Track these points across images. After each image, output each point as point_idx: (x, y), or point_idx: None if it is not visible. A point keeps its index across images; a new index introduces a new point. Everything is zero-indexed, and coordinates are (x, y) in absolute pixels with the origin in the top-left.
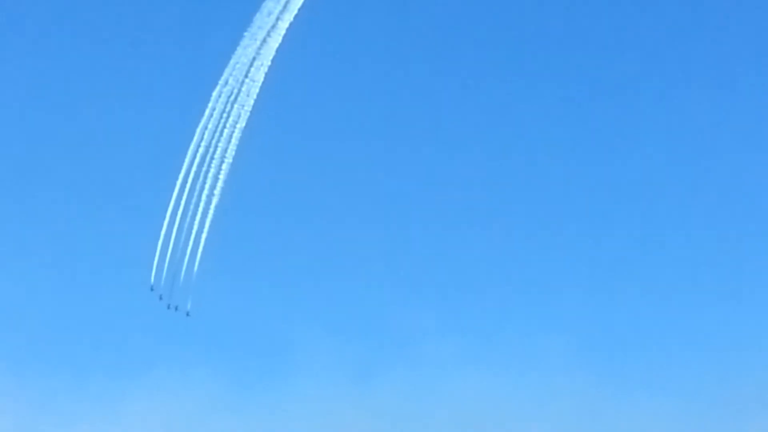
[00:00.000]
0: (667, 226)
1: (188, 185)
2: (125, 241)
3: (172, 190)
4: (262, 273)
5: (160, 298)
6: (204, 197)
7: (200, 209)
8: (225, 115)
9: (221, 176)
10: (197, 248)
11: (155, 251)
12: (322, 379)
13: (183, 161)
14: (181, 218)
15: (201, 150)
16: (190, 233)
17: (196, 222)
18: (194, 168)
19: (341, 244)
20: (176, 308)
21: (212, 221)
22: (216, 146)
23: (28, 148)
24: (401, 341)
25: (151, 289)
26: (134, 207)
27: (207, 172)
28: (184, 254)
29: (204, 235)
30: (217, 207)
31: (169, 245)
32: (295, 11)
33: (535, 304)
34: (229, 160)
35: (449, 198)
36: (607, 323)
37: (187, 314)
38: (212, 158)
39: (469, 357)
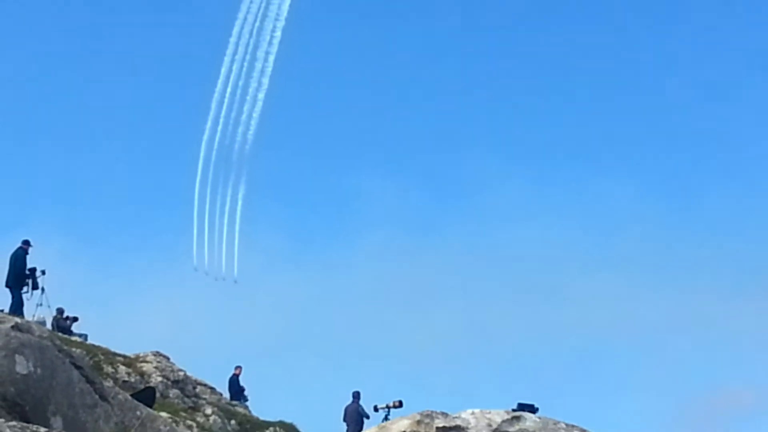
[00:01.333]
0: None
1: (242, 43)
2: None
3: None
4: (323, 123)
5: (206, 274)
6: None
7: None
8: None
9: (277, 34)
10: (256, 99)
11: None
12: (385, 231)
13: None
14: (237, 71)
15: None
16: (247, 89)
17: (255, 73)
18: (247, 27)
19: (403, 87)
20: (223, 279)
21: (273, 69)
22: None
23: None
24: (465, 188)
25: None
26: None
27: (261, 27)
28: (242, 107)
29: (263, 91)
30: (276, 56)
31: (224, 100)
32: None
33: (599, 148)
34: (284, 14)
35: (513, 39)
36: (675, 166)
37: (235, 282)
38: (266, 14)
39: (534, 204)
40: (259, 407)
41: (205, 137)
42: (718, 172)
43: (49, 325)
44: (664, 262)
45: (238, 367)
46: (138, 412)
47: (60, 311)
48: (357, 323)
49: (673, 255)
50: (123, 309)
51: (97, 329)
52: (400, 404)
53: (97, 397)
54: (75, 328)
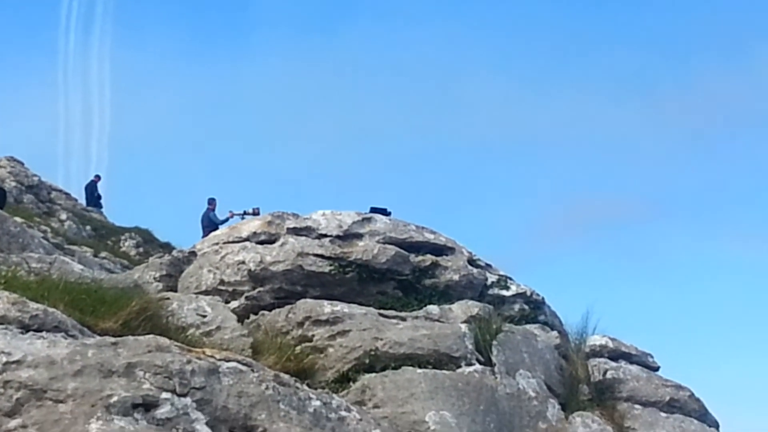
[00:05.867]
0: None
1: None
2: None
3: None
4: None
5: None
6: None
7: None
8: None
9: None
10: None
11: None
12: (284, 31)
13: None
14: None
15: None
16: None
17: None
18: None
19: None
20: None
21: None
22: None
23: None
24: None
25: None
26: None
27: None
28: None
29: None
30: None
31: None
32: None
33: None
34: None
35: None
36: None
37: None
38: None
39: (434, 5)
40: (116, 213)
41: None
42: None
43: None
44: (560, 68)
45: (97, 176)
46: None
47: None
48: (241, 126)
49: (569, 62)
50: None
51: None
52: (258, 212)
53: None
54: None
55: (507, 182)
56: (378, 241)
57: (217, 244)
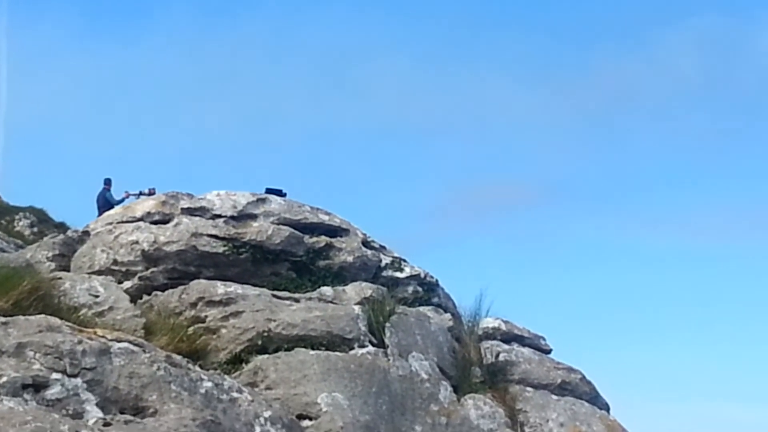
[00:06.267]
0: None
1: None
2: None
3: None
4: None
5: None
6: None
7: None
8: None
9: None
10: None
11: None
12: (186, 12)
13: None
14: None
15: None
16: None
17: None
18: None
19: None
20: None
21: None
22: None
23: None
24: None
25: None
26: None
27: None
28: None
29: None
30: None
31: None
32: None
33: None
34: None
35: None
36: None
37: None
38: None
39: None
40: (11, 193)
41: None
42: None
43: None
44: (463, 52)
45: None
46: None
47: None
48: (138, 106)
49: (472, 45)
50: None
51: None
52: (153, 192)
53: None
54: None
55: (405, 164)
56: (272, 222)
57: (110, 224)
